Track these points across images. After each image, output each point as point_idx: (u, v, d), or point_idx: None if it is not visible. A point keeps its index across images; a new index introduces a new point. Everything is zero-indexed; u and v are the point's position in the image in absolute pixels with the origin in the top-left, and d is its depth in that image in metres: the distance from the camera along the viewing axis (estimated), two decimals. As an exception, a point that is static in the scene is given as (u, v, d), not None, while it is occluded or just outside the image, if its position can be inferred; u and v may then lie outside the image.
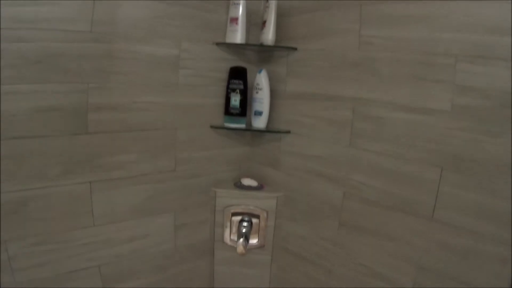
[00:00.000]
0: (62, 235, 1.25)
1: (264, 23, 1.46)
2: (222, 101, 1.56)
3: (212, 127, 1.55)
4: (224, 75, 1.54)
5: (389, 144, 1.21)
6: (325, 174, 1.42)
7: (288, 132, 1.52)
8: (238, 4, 1.42)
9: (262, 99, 1.52)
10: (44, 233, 1.21)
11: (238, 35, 1.44)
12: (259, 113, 1.53)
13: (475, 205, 1.03)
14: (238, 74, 1.52)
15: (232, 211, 1.57)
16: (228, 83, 1.52)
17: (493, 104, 0.98)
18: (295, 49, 1.46)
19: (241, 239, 1.47)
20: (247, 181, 1.62)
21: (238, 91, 1.51)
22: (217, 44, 1.49)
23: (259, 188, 1.60)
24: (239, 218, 1.57)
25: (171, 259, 1.56)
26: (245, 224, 1.55)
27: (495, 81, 0.97)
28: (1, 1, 1.01)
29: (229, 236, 1.59)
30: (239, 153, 1.69)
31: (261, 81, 1.51)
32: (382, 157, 1.23)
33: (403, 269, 1.20)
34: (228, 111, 1.53)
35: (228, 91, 1.52)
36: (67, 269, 1.29)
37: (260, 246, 1.59)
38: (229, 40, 1.47)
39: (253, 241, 1.57)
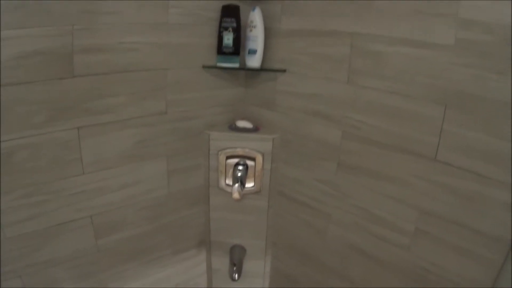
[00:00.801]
0: (51, 185, 1.28)
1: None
2: (214, 41, 1.55)
3: (204, 67, 1.55)
4: (216, 15, 1.53)
5: (389, 81, 1.21)
6: (322, 113, 1.44)
7: (283, 71, 1.53)
8: None
9: (256, 37, 1.51)
10: (32, 185, 1.24)
11: (229, -28, 1.43)
12: (253, 52, 1.53)
13: (480, 146, 1.04)
14: (230, 12, 1.50)
15: (227, 154, 1.60)
16: (221, 22, 1.51)
17: (497, 39, 0.98)
18: (289, -16, 1.45)
19: (237, 184, 1.51)
20: (241, 123, 1.65)
21: (230, 29, 1.50)
22: (208, -19, 1.48)
23: (254, 130, 1.63)
24: (234, 161, 1.61)
25: (164, 206, 1.62)
26: (240, 167, 1.59)
27: (499, 16, 0.96)
28: None
29: (224, 181, 1.64)
30: (233, 95, 1.70)
31: (255, 18, 1.50)
32: (382, 94, 1.23)
33: (405, 213, 1.24)
34: (220, 50, 1.53)
35: (221, 30, 1.51)
36: (57, 221, 1.34)
37: (256, 191, 1.65)
38: (220, -23, 1.45)
39: (249, 185, 1.63)
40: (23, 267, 1.33)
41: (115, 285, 1.62)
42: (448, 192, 1.12)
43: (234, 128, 1.64)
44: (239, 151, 1.60)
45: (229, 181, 1.63)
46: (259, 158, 1.60)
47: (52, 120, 1.23)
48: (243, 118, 1.72)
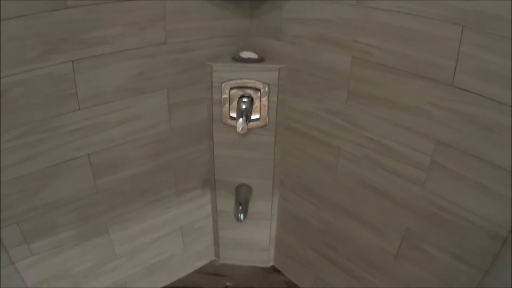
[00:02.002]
0: (46, 123, 1.33)
1: None
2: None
3: (206, -4, 1.55)
4: None
5: (402, 0, 1.19)
6: (331, 40, 1.44)
7: (289, -4, 1.53)
8: None
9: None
10: (27, 123, 1.29)
11: None
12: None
13: (500, 70, 1.03)
14: None
15: (231, 86, 1.64)
16: None
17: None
18: None
19: (241, 118, 1.56)
20: (246, 54, 1.67)
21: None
22: None
23: (260, 60, 1.65)
24: (238, 94, 1.64)
25: (166, 143, 1.68)
26: (245, 100, 1.62)
27: None
28: None
29: (228, 115, 1.69)
30: (236, 25, 1.71)
31: None
32: (395, 15, 1.22)
33: (420, 144, 1.27)
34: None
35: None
36: (54, 161, 1.40)
37: (262, 126, 1.70)
38: None
39: (255, 117, 1.68)
40: (21, 213, 1.41)
41: (117, 228, 1.72)
42: (466, 121, 1.13)
43: (238, 59, 1.66)
44: (244, 83, 1.63)
45: (233, 115, 1.68)
46: (264, 90, 1.63)
47: (46, 54, 1.25)
48: (247, 49, 1.74)
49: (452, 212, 1.25)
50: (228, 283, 2.16)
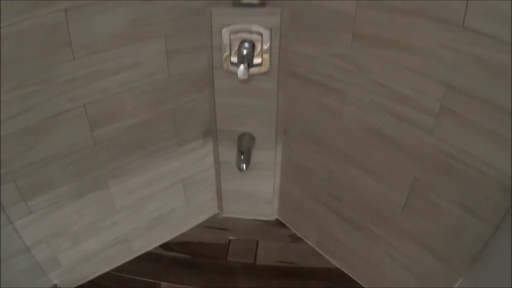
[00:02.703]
0: (40, 74, 1.34)
1: None
2: None
3: None
4: None
5: None
6: None
7: None
8: None
9: None
10: (20, 76, 1.29)
11: None
12: None
13: None
14: None
15: (231, 31, 1.63)
16: None
17: None
18: None
19: (243, 64, 1.56)
20: (246, -2, 1.66)
21: None
22: None
23: (261, 5, 1.63)
24: (239, 39, 1.64)
25: (165, 92, 1.69)
26: (246, 45, 1.63)
27: None
28: None
29: (229, 61, 1.69)
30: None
31: None
32: None
33: (429, 89, 1.26)
34: None
35: None
36: (49, 114, 1.42)
37: (264, 72, 1.71)
38: None
39: (257, 62, 1.68)
40: (17, 169, 1.44)
41: (116, 181, 1.76)
42: (477, 64, 1.12)
43: (238, 4, 1.64)
44: (245, 28, 1.63)
45: (234, 60, 1.68)
46: (266, 34, 1.63)
47: (37, 3, 1.24)
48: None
49: (462, 161, 1.26)
50: (231, 237, 2.23)
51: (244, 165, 1.86)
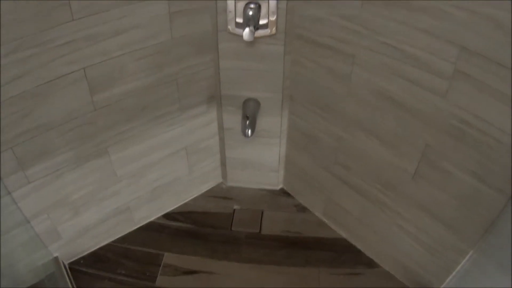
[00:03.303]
0: (37, 37, 1.32)
1: None
2: None
3: None
4: None
5: None
6: None
7: None
8: None
9: None
10: (16, 39, 1.27)
11: None
12: None
13: None
14: None
15: None
16: None
17: None
18: None
19: (248, 26, 1.54)
20: (253, -44, 1.62)
21: None
22: None
23: None
24: (245, 1, 1.62)
25: (168, 55, 1.68)
26: (252, 6, 1.60)
27: None
28: None
29: (234, 23, 1.68)
30: None
31: None
32: None
33: (442, 50, 1.24)
34: None
35: None
36: (47, 78, 1.41)
37: (270, 35, 1.69)
38: None
39: (263, 28, 1.66)
40: (14, 137, 1.44)
41: (117, 149, 1.76)
42: (492, 25, 1.11)
43: None
44: (250, -12, 1.60)
45: (240, 24, 1.66)
46: (272, -5, 1.60)
47: None
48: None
49: (476, 127, 1.26)
50: (235, 206, 2.24)
51: (249, 131, 1.85)
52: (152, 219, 2.20)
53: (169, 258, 2.01)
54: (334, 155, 1.85)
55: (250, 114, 1.87)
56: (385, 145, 1.59)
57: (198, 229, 2.16)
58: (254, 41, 1.67)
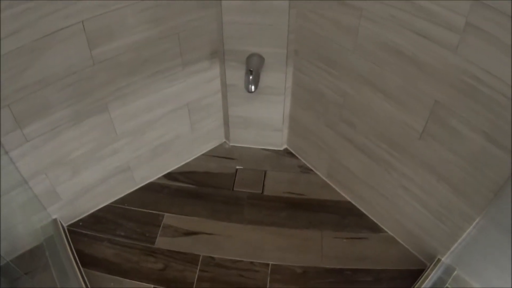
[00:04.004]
0: None
1: None
2: None
3: None
4: None
5: None
6: None
7: None
8: None
9: None
10: None
11: None
12: None
13: None
14: None
15: None
16: None
17: None
18: None
19: None
20: None
21: None
22: None
23: None
24: None
25: (168, 8, 1.66)
26: None
27: None
28: None
29: None
30: None
31: None
32: None
33: (453, 2, 1.22)
34: None
35: None
36: (44, 32, 1.40)
37: None
38: None
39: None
40: (11, 94, 1.44)
41: (117, 105, 1.77)
42: None
43: None
44: None
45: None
46: None
47: None
48: None
49: (487, 83, 1.25)
50: (238, 167, 2.26)
51: (252, 86, 1.86)
52: (152, 179, 2.22)
53: (169, 219, 2.05)
54: (340, 113, 1.86)
55: (253, 68, 1.86)
56: (392, 102, 1.59)
57: (199, 189, 2.18)
58: (258, -7, 1.65)
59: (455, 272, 1.69)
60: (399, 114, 1.59)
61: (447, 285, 1.69)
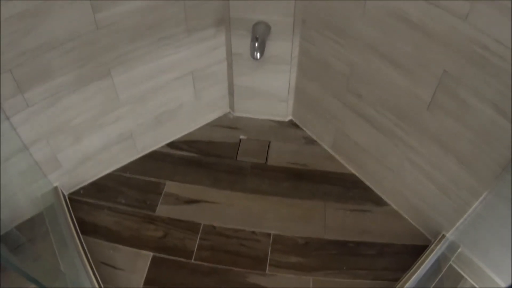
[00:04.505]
0: None
1: None
2: None
3: None
4: None
5: None
6: None
7: None
8: None
9: None
10: None
11: None
12: None
13: None
14: None
15: None
16: None
17: None
18: None
19: None
20: None
21: None
22: None
23: None
24: None
25: None
26: None
27: None
28: None
29: None
30: None
31: None
32: None
33: None
34: None
35: None
36: None
37: None
38: None
39: None
40: (13, 58, 1.44)
41: (120, 70, 1.77)
42: None
43: None
44: None
45: None
46: None
47: None
48: None
49: (498, 53, 1.24)
50: (242, 136, 2.27)
51: (258, 54, 1.87)
52: (155, 147, 2.24)
53: (171, 186, 2.07)
54: (346, 83, 1.85)
55: (259, 36, 1.86)
56: (400, 71, 1.58)
57: (202, 158, 2.20)
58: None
59: (459, 250, 1.70)
60: (407, 84, 1.58)
61: (450, 262, 1.71)
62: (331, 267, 1.78)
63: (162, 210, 1.98)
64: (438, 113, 1.52)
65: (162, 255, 1.82)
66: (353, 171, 2.13)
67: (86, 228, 1.89)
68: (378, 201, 2.02)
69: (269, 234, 1.89)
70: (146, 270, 1.78)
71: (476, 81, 1.34)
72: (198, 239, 1.87)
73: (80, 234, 1.82)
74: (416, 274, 1.64)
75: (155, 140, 2.22)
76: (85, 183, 2.08)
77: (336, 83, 1.91)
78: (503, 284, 1.56)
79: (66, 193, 2.02)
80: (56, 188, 1.94)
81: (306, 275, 1.76)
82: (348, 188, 2.07)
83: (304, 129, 2.33)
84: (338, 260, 1.80)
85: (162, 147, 2.25)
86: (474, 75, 1.34)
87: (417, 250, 1.80)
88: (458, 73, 1.39)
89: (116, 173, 2.13)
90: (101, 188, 2.07)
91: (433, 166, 1.66)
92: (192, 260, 1.80)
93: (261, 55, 1.87)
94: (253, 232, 1.89)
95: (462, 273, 1.70)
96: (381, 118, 1.77)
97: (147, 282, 1.74)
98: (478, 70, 1.32)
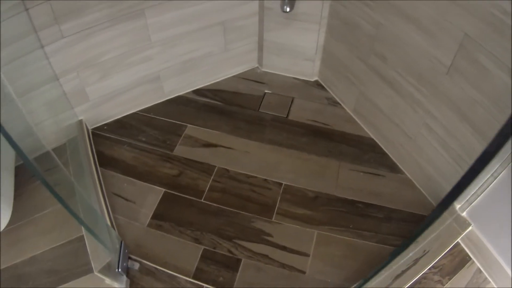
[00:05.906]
0: None
1: None
2: None
3: None
4: None
5: None
6: None
7: None
8: None
9: None
10: None
11: None
12: None
13: None
14: None
15: None
16: None
17: None
18: None
19: None
20: None
21: None
22: None
23: None
24: None
25: None
26: None
27: None
28: None
29: None
30: None
31: None
32: None
33: None
34: None
35: None
36: None
37: None
38: None
39: None
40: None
41: (154, 12, 1.86)
42: None
43: None
44: None
45: None
46: None
47: None
48: None
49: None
50: (267, 90, 2.33)
51: (287, 7, 1.91)
52: (181, 93, 2.32)
53: (191, 130, 2.15)
54: (372, 45, 1.88)
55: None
56: (423, 33, 1.60)
57: (225, 106, 2.27)
58: None
59: (470, 228, 1.71)
60: (428, 47, 1.60)
61: (458, 240, 1.73)
62: (337, 223, 1.82)
63: (180, 150, 2.06)
64: (457, 78, 1.54)
65: (174, 192, 1.90)
66: (372, 135, 2.16)
67: (104, 161, 1.99)
68: (393, 168, 2.04)
69: (280, 184, 1.94)
70: (156, 205, 1.86)
71: (496, 47, 1.35)
72: (210, 181, 1.94)
73: (98, 165, 1.92)
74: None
75: (182, 85, 2.29)
76: (110, 120, 2.17)
77: (362, 45, 1.95)
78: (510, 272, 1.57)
79: (90, 128, 2.11)
80: (81, 121, 2.03)
81: (311, 227, 1.81)
82: (365, 151, 2.10)
83: (329, 90, 2.37)
84: (345, 218, 1.84)
85: (188, 93, 2.33)
86: (494, 41, 1.35)
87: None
88: (478, 37, 1.40)
89: (140, 113, 2.22)
90: (124, 126, 2.16)
91: (449, 133, 1.67)
92: (202, 200, 1.88)
93: (291, 9, 1.92)
94: (265, 180, 1.96)
95: (469, 253, 1.73)
96: (403, 81, 1.80)
97: (155, 216, 1.82)
98: (498, 36, 1.33)
